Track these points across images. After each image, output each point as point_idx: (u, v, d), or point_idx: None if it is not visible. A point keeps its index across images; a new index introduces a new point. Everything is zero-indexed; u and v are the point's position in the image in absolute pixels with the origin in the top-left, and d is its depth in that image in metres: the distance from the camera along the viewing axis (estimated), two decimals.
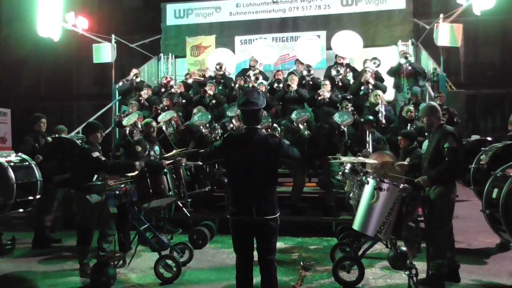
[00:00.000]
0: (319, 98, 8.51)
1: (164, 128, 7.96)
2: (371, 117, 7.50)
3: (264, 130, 7.21)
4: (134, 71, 10.64)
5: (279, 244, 6.42)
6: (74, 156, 5.40)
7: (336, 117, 7.22)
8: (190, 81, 10.50)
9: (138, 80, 10.51)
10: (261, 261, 3.65)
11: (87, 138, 5.38)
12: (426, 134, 5.88)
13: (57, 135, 6.81)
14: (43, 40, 10.31)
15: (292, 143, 6.73)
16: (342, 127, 7.19)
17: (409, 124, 7.50)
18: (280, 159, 3.73)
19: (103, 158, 5.12)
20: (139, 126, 8.42)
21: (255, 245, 3.69)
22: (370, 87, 8.82)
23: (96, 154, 5.08)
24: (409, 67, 9.25)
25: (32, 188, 5.43)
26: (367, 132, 7.16)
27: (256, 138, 3.63)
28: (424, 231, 4.98)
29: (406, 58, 9.29)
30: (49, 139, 6.57)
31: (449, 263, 4.70)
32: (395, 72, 9.41)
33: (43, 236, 6.64)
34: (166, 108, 9.02)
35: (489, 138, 6.43)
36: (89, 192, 5.14)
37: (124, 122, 8.52)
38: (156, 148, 7.06)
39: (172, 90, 9.83)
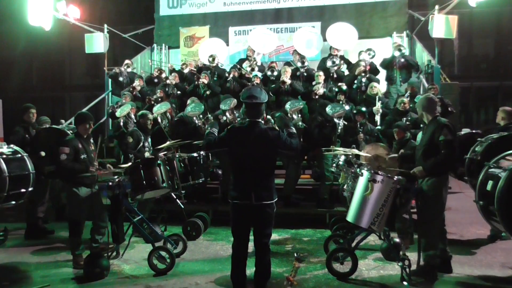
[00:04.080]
0: (315, 95, 8.39)
1: (159, 119, 7.90)
2: (363, 109, 7.51)
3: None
4: (127, 61, 10.58)
5: (273, 236, 6.44)
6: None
7: (328, 109, 7.20)
8: (186, 70, 10.41)
9: (129, 70, 10.41)
10: (257, 244, 4.01)
11: (77, 129, 5.33)
12: (421, 126, 5.88)
13: (47, 126, 6.74)
14: (34, 30, 10.16)
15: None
16: (335, 119, 7.17)
17: (404, 118, 7.49)
18: (279, 150, 4.00)
19: (64, 158, 4.98)
20: (132, 117, 8.36)
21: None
22: (364, 80, 8.81)
23: (64, 149, 4.99)
24: (402, 60, 9.25)
25: (25, 180, 5.35)
26: (358, 123, 7.20)
27: (257, 131, 3.93)
28: (417, 222, 5.01)
29: (399, 50, 9.28)
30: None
31: (441, 255, 4.75)
32: (388, 64, 9.40)
33: (36, 227, 6.61)
34: (159, 99, 8.95)
35: (479, 131, 6.43)
36: (77, 184, 5.11)
37: (117, 113, 8.44)
38: (149, 139, 7.01)
39: (168, 81, 9.75)
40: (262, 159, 3.92)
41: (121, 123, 8.29)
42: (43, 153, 6.09)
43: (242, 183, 3.94)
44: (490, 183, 4.40)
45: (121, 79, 10.34)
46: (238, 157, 3.99)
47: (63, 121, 8.74)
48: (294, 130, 4.22)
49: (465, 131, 6.97)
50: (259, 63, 10.24)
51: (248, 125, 3.99)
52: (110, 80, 10.74)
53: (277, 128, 4.12)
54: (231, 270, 4.03)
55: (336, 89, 8.50)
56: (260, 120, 4.01)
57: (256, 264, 4.02)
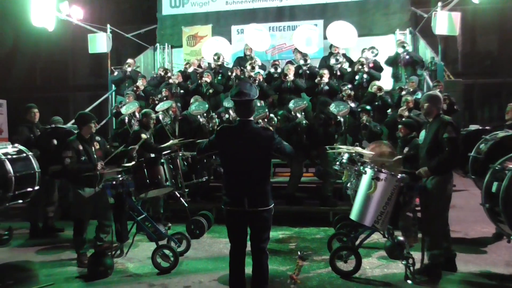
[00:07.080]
0: (320, 83, 8.47)
1: (161, 117, 7.92)
2: (368, 107, 7.49)
3: (260, 119, 7.21)
4: (129, 61, 10.59)
5: (277, 234, 6.47)
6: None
7: (332, 108, 7.19)
8: (190, 69, 10.43)
9: (130, 69, 10.44)
10: (253, 249, 3.77)
11: (80, 130, 5.30)
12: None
13: (53, 125, 6.78)
14: (37, 30, 10.19)
15: (289, 132, 6.67)
16: (339, 117, 7.16)
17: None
18: (271, 152, 3.73)
19: (68, 162, 4.98)
20: (137, 115, 8.38)
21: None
22: (365, 76, 8.78)
23: (67, 153, 4.99)
24: (407, 56, 9.23)
25: (31, 179, 5.40)
26: (364, 120, 7.19)
27: (249, 130, 3.68)
28: (421, 221, 4.99)
29: (403, 47, 9.26)
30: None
31: (445, 253, 4.72)
32: (392, 61, 9.38)
33: (46, 226, 6.69)
34: (164, 99, 8.97)
35: (487, 128, 6.40)
36: (80, 184, 5.12)
37: (123, 110, 8.48)
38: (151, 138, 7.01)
39: (170, 80, 9.77)
40: (254, 161, 3.64)
41: (126, 120, 8.31)
42: (55, 141, 6.16)
43: (234, 187, 3.68)
44: (495, 184, 4.34)
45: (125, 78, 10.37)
46: (229, 159, 3.74)
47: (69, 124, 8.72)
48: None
49: (474, 127, 6.94)
50: (259, 63, 10.22)
51: (239, 125, 3.72)
52: (111, 80, 10.76)
53: (271, 128, 3.83)
54: (230, 276, 3.81)
55: (342, 87, 8.50)
56: (251, 118, 3.74)
57: (253, 270, 3.76)
